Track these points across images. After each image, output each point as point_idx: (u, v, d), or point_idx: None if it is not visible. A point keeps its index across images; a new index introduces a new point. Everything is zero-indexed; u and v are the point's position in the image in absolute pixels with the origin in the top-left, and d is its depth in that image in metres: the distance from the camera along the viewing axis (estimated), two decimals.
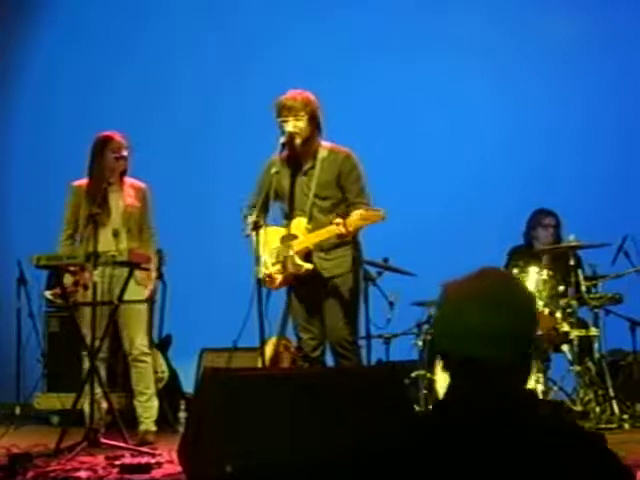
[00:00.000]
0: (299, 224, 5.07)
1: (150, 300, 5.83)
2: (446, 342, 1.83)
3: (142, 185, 5.73)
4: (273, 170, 5.08)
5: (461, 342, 1.79)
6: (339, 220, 4.79)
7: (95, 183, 5.48)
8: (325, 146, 5.14)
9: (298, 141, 5.04)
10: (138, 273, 5.45)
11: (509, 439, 1.71)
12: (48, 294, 5.68)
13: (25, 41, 8.73)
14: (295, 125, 5.00)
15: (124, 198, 5.61)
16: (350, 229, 4.77)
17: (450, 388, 1.84)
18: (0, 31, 8.69)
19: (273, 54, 8.30)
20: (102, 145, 5.52)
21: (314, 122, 5.06)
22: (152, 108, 8.19)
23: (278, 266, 5.08)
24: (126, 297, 5.29)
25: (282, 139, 5.02)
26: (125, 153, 5.55)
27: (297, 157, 5.13)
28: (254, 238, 4.97)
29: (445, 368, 1.84)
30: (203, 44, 8.50)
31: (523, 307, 1.84)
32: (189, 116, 8.41)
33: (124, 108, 8.08)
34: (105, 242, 5.37)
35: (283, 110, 5.02)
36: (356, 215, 4.78)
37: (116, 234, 5.44)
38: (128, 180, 5.68)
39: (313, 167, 5.11)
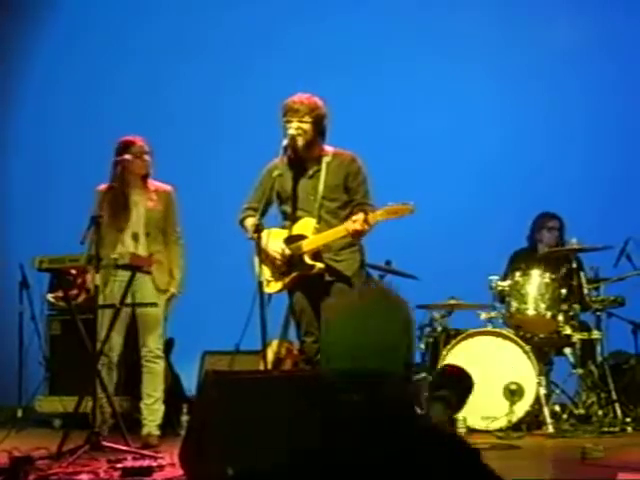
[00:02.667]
0: (307, 224, 5.06)
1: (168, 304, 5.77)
2: (330, 357, 1.96)
3: (167, 188, 5.73)
4: (276, 173, 5.08)
5: (339, 357, 1.93)
6: (360, 216, 4.79)
7: (116, 187, 5.49)
8: (328, 150, 5.15)
9: (300, 143, 5.04)
10: (159, 279, 5.49)
11: (384, 451, 1.79)
12: (50, 297, 5.67)
13: (26, 43, 8.71)
14: (298, 127, 5.01)
15: (145, 202, 5.62)
16: (371, 223, 4.79)
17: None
18: (1, 33, 8.68)
19: (273, 54, 8.29)
20: (123, 149, 5.52)
21: (318, 127, 5.07)
22: (152, 108, 8.17)
23: (284, 267, 5.06)
24: (145, 301, 5.36)
25: (284, 142, 5.02)
26: (147, 157, 5.57)
27: (301, 160, 5.14)
28: (256, 241, 4.96)
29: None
30: (203, 44, 8.48)
31: (391, 322, 1.93)
32: (189, 116, 8.39)
33: (124, 108, 8.07)
34: (125, 245, 5.41)
35: (289, 112, 5.03)
36: (380, 210, 4.79)
37: (135, 237, 5.48)
38: (153, 183, 5.68)
39: (319, 170, 5.11)
